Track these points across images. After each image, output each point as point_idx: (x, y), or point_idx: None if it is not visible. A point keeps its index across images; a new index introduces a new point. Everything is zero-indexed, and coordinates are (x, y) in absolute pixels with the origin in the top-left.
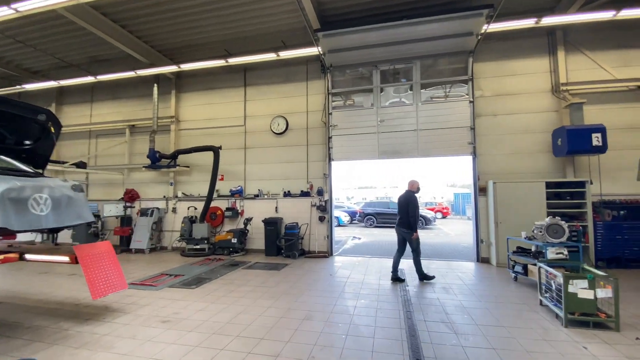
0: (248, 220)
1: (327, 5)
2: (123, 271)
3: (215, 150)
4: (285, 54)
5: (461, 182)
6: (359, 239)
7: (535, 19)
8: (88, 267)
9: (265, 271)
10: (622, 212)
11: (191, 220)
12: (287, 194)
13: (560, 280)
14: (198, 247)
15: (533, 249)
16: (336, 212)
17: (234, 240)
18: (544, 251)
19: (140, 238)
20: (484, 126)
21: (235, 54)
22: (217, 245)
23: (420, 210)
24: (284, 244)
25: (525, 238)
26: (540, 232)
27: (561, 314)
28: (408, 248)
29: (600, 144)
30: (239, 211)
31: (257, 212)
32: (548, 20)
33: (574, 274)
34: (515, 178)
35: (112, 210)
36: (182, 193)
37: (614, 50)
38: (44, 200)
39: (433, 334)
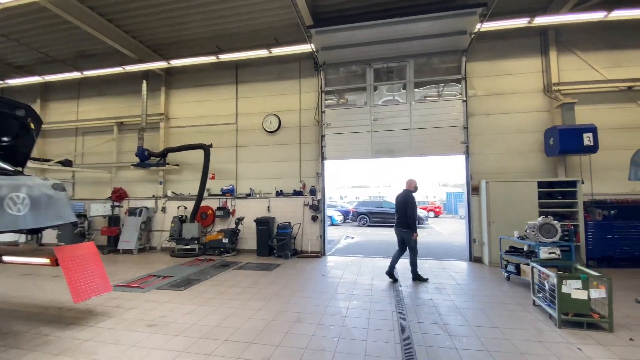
0: (239, 219)
1: (320, 1)
2: (109, 273)
3: (206, 149)
4: (278, 51)
5: (453, 182)
6: (352, 238)
7: (528, 19)
8: (69, 270)
9: (257, 272)
10: (612, 212)
11: (181, 220)
12: (279, 193)
13: (554, 280)
14: (188, 247)
15: (525, 248)
16: (329, 212)
17: (225, 240)
18: (536, 251)
19: (129, 238)
20: (477, 125)
21: (227, 50)
22: (208, 245)
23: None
24: (276, 243)
25: (517, 237)
26: (533, 231)
27: (555, 314)
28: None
29: (592, 143)
30: (231, 211)
31: (249, 211)
32: (540, 20)
33: (567, 274)
34: (508, 177)
35: (99, 210)
36: (172, 192)
37: (605, 51)
38: (22, 200)
39: (426, 336)
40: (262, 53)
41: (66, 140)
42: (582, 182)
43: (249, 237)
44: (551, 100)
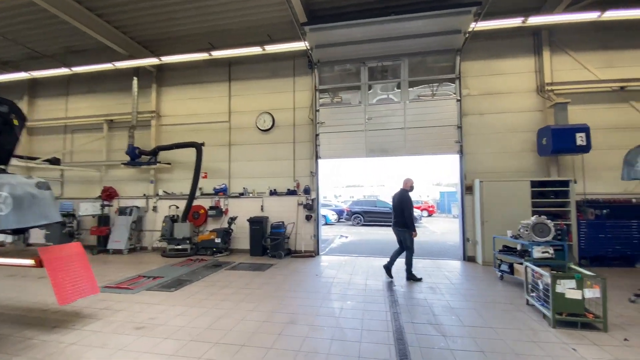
0: (232, 219)
1: None
2: (98, 273)
3: (198, 147)
4: (272, 48)
5: (446, 181)
6: (346, 237)
7: (522, 19)
8: (54, 271)
9: (250, 272)
10: (605, 211)
11: (173, 220)
12: (273, 193)
13: (547, 280)
14: (180, 247)
15: (519, 247)
16: (323, 211)
17: (218, 240)
18: (530, 250)
19: (119, 238)
20: (471, 125)
21: (220, 47)
22: (200, 245)
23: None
24: (270, 243)
25: (511, 237)
26: (526, 231)
27: (549, 314)
28: None
29: (584, 143)
30: (223, 210)
31: (242, 211)
32: (534, 20)
33: (562, 274)
34: (501, 177)
35: (89, 209)
36: (164, 191)
37: (598, 51)
38: (3, 199)
39: (421, 336)
40: (256, 50)
41: (55, 138)
42: (575, 182)
43: (242, 237)
44: (544, 100)
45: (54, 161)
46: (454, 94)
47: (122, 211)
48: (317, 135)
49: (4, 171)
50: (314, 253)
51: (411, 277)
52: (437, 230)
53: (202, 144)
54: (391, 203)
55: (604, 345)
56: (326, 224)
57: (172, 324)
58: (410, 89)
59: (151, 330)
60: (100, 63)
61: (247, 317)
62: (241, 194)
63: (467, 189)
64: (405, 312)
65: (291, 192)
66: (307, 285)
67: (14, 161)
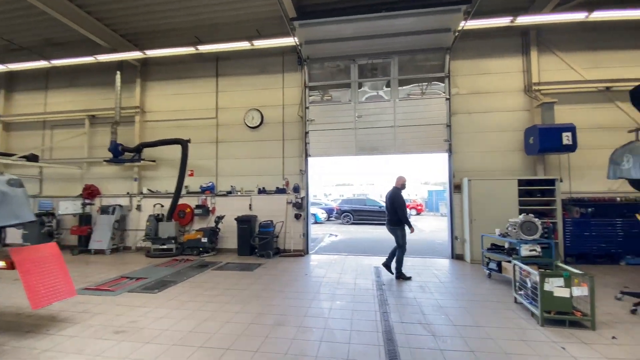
0: (220, 218)
1: None
2: (78, 274)
3: (184, 144)
4: (260, 43)
5: (434, 180)
6: (336, 236)
7: (511, 18)
8: (27, 273)
9: (237, 272)
10: (589, 210)
11: (157, 219)
12: (261, 191)
13: (536, 278)
14: (165, 247)
15: (506, 246)
16: (313, 209)
17: (204, 240)
18: (517, 248)
19: (101, 238)
20: (460, 124)
21: (207, 42)
22: (186, 245)
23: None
24: (258, 242)
25: (499, 235)
26: (514, 229)
27: (537, 312)
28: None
29: (571, 142)
30: (210, 209)
31: (229, 209)
32: (523, 20)
33: (550, 272)
34: (489, 176)
35: (69, 208)
36: (148, 189)
37: (585, 51)
38: None
39: (410, 337)
40: (244, 45)
41: (33, 134)
42: (561, 181)
43: (229, 236)
44: (531, 100)
45: (32, 158)
46: (444, 92)
47: (104, 210)
48: (306, 132)
49: None
50: (303, 252)
51: (401, 276)
52: (426, 228)
53: (188, 141)
54: (384, 202)
55: (592, 344)
56: (316, 222)
57: (154, 327)
58: (400, 87)
59: (132, 334)
60: (81, 56)
61: (233, 319)
62: (229, 193)
63: (455, 187)
64: (394, 311)
65: (280, 191)
66: (296, 285)
67: None
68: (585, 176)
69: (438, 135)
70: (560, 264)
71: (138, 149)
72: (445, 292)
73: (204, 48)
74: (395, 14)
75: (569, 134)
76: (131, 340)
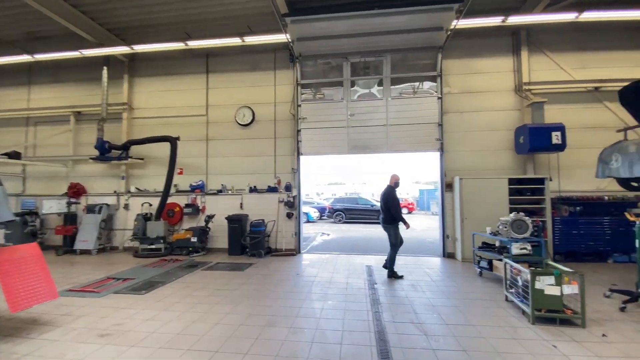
0: (210, 217)
1: None
2: (63, 275)
3: (173, 141)
4: (251, 40)
5: (426, 179)
6: (328, 235)
7: (502, 18)
8: (5, 275)
9: (227, 272)
10: (578, 208)
11: (145, 218)
12: (253, 190)
13: (527, 276)
14: (153, 247)
15: (497, 244)
16: (305, 208)
17: (194, 239)
18: (508, 246)
19: (87, 237)
20: (451, 123)
21: (197, 38)
22: (175, 244)
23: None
24: (249, 242)
25: (490, 234)
26: (505, 227)
27: (528, 310)
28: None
29: (560, 142)
30: (200, 208)
31: (220, 208)
32: (514, 20)
33: (540, 270)
34: (480, 174)
35: (54, 207)
36: (136, 188)
37: (574, 52)
38: None
39: (402, 336)
40: (235, 41)
41: (15, 131)
42: (550, 180)
43: (220, 236)
44: (522, 99)
45: (14, 155)
46: (436, 91)
47: (90, 209)
48: (298, 131)
49: None
50: (295, 251)
51: (393, 275)
52: (417, 227)
53: (177, 139)
54: (376, 200)
55: (583, 342)
56: (308, 221)
57: (140, 330)
58: (393, 86)
59: (116, 337)
60: (66, 51)
61: (223, 321)
62: (219, 191)
63: (447, 186)
64: (386, 310)
65: (272, 189)
66: (288, 285)
67: None
68: (574, 175)
69: (430, 134)
70: (551, 262)
71: (125, 147)
72: (437, 290)
73: (194, 44)
74: (388, 11)
75: (559, 133)
76: (116, 343)
